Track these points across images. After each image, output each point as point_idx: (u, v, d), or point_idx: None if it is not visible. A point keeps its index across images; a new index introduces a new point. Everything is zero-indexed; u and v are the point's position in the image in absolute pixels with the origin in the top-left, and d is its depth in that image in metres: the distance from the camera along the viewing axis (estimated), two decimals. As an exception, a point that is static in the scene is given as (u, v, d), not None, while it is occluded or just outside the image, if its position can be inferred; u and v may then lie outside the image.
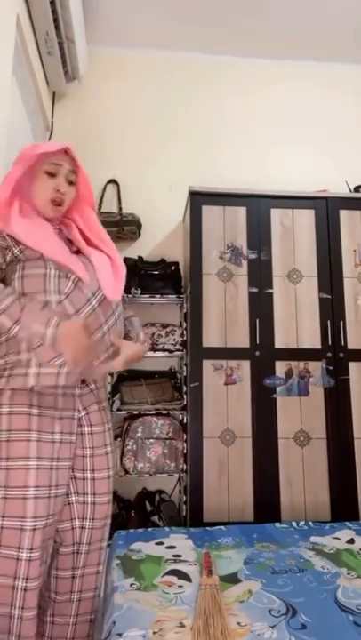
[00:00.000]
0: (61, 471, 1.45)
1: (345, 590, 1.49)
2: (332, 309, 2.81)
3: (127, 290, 2.27)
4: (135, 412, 2.83)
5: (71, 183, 1.62)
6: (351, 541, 1.92)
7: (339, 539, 1.95)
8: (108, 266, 1.59)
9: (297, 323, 2.80)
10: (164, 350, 2.90)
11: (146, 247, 3.25)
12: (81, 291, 1.48)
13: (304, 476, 2.64)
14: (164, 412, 2.86)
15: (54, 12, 2.57)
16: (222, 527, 2.05)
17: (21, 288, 1.46)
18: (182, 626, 1.28)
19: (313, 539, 1.94)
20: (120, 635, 1.23)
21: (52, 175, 1.56)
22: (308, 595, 1.46)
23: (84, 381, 1.54)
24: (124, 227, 3.09)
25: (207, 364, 2.71)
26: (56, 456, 1.44)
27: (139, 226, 3.17)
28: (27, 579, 1.33)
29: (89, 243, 1.64)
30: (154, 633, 1.24)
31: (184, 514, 2.71)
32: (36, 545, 1.35)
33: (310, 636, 1.23)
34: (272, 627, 1.27)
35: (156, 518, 2.80)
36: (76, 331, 1.39)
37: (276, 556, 1.73)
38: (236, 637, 1.22)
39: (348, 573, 1.61)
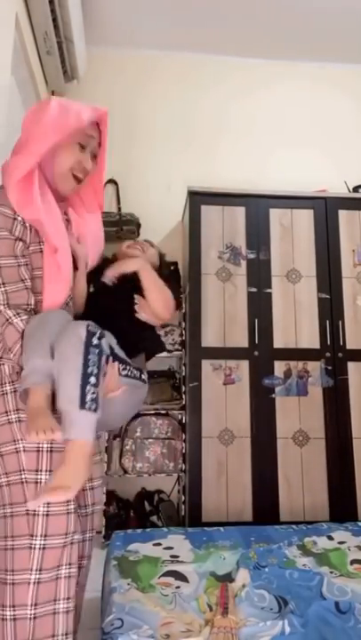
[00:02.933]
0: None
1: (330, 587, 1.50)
2: (330, 309, 2.81)
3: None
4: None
5: (95, 157, 1.50)
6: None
7: (333, 538, 1.95)
8: None
9: (296, 322, 2.80)
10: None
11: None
12: None
13: (303, 475, 2.64)
14: (163, 411, 2.86)
15: (53, 11, 2.57)
16: (221, 528, 2.05)
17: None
18: (189, 630, 1.28)
19: (313, 539, 1.94)
20: (120, 635, 1.24)
21: (83, 148, 1.43)
22: (296, 591, 1.47)
23: None
24: (123, 226, 3.09)
25: (206, 364, 2.71)
26: None
27: (138, 226, 3.17)
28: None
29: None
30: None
31: (183, 514, 2.71)
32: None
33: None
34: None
35: (154, 518, 2.80)
36: None
37: (267, 555, 1.74)
38: None
39: (331, 572, 1.63)
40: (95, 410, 1.17)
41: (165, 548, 1.82)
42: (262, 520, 2.44)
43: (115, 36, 3.35)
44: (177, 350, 2.90)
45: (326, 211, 2.93)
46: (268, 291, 2.82)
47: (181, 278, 3.08)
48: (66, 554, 1.22)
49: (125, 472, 2.76)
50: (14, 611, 1.18)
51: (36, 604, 1.18)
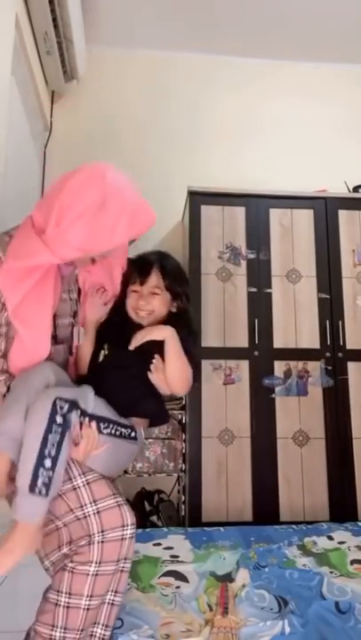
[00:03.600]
0: None
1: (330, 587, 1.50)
2: (330, 309, 2.81)
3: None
4: (134, 412, 2.82)
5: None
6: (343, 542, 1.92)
7: (333, 538, 1.95)
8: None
9: (296, 322, 2.80)
10: (163, 350, 2.90)
11: (144, 247, 3.20)
12: None
13: (303, 475, 2.64)
14: (163, 411, 2.85)
15: (53, 11, 2.57)
16: (221, 528, 2.05)
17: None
18: (189, 630, 1.28)
19: (313, 539, 1.94)
20: (120, 635, 1.24)
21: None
22: (296, 591, 1.47)
23: None
24: (122, 227, 3.09)
25: (206, 364, 2.71)
26: None
27: (138, 225, 3.16)
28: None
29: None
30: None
31: (183, 514, 2.70)
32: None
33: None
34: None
35: (154, 518, 2.80)
36: None
37: (267, 555, 1.74)
38: None
39: (331, 572, 1.63)
40: (46, 494, 1.14)
41: (165, 548, 1.82)
42: (262, 520, 2.44)
43: (115, 36, 3.35)
44: (177, 350, 2.89)
45: (326, 211, 2.93)
46: (268, 291, 2.82)
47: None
48: (124, 547, 1.22)
49: (125, 472, 2.75)
50: (69, 598, 1.19)
51: (91, 596, 1.19)
